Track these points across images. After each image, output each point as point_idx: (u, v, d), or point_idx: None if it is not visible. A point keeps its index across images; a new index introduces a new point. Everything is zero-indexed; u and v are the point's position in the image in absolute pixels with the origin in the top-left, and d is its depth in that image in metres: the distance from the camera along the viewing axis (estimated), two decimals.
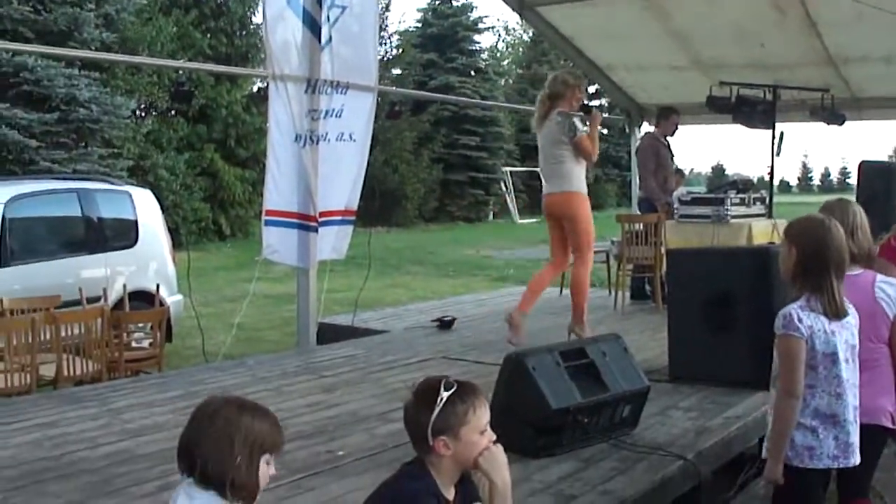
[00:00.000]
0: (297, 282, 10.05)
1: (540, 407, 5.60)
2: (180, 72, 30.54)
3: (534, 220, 46.19)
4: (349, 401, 7.31)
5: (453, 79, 47.23)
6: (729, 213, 11.52)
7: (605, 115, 9.43)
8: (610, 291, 12.64)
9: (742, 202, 11.81)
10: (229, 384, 7.96)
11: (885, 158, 59.83)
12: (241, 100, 33.21)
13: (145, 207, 12.06)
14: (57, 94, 23.26)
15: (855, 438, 4.30)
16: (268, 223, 9.36)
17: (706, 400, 7.14)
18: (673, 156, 12.84)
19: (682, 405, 7.02)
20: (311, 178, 9.37)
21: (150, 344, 9.56)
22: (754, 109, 12.57)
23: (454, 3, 51.00)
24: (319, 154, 9.49)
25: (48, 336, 8.19)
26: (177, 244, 13.59)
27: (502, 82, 58.42)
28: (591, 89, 38.65)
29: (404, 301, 15.83)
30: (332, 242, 9.90)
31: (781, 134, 12.57)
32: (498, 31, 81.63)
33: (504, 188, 49.58)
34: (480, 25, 52.21)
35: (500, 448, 3.36)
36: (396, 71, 46.48)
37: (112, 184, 12.82)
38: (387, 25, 45.94)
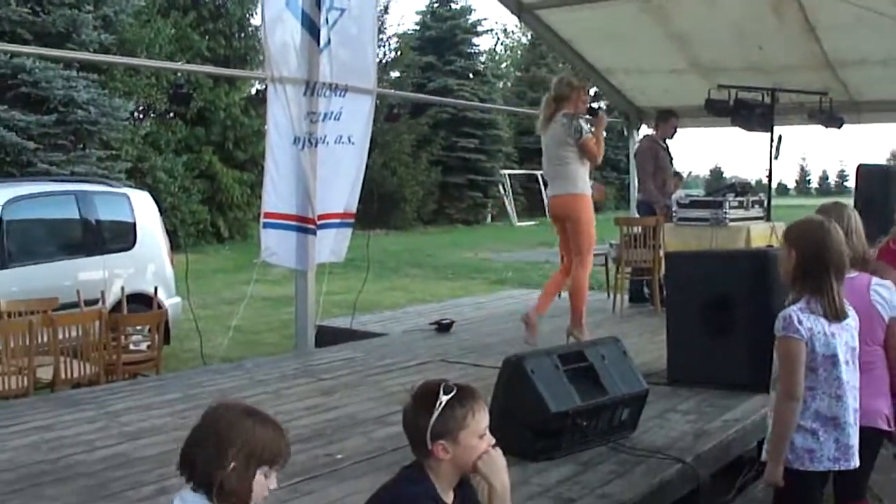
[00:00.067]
0: (295, 284, 10.04)
1: (539, 410, 5.60)
2: (179, 74, 30.52)
3: (532, 222, 46.27)
4: (347, 404, 7.30)
5: (452, 81, 47.22)
6: (727, 216, 11.52)
7: None
8: (608, 294, 12.64)
9: (740, 205, 11.81)
10: (227, 387, 7.96)
11: (883, 162, 59.86)
12: (240, 102, 33.19)
13: (143, 210, 12.06)
14: (55, 95, 23.24)
15: (855, 441, 4.30)
16: (266, 226, 9.36)
17: (705, 403, 7.13)
18: (672, 159, 12.84)
19: (681, 408, 7.02)
20: (309, 181, 9.37)
21: (148, 346, 9.56)
22: (753, 112, 12.57)
23: (453, 6, 51.00)
24: (318, 157, 9.48)
25: (46, 338, 8.18)
26: (175, 246, 13.59)
27: (501, 85, 58.44)
28: (591, 91, 38.67)
29: (402, 304, 15.82)
30: (331, 245, 9.89)
31: (780, 137, 12.58)
32: (496, 33, 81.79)
33: (502, 191, 49.61)
34: (479, 28, 52.19)
35: (499, 452, 3.35)
36: (395, 73, 46.51)
37: (110, 186, 12.83)
38: (385, 28, 45.93)
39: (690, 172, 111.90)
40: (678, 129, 12.91)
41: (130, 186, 14.90)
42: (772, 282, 6.37)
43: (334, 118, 9.63)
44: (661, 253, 11.37)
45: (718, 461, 6.14)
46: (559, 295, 10.45)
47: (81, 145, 24.54)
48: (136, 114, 30.03)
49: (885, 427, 4.62)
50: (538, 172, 50.34)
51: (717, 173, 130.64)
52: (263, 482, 3.05)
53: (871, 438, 4.50)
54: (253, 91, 34.45)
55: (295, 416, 6.78)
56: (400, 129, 40.68)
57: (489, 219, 49.83)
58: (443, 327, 10.88)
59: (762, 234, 11.56)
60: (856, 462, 4.31)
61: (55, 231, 11.55)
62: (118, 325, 9.03)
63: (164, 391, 7.80)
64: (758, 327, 6.62)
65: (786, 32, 11.80)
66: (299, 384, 8.09)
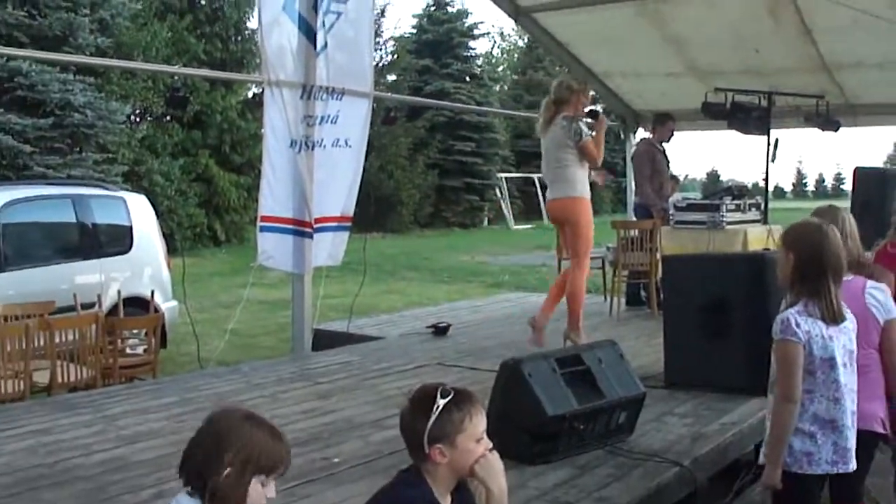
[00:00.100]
0: (292, 288, 10.04)
1: (536, 413, 5.60)
2: (175, 77, 30.50)
3: (529, 226, 46.30)
4: (344, 407, 7.30)
5: (448, 85, 47.21)
6: (724, 219, 11.53)
7: None
8: (605, 297, 12.63)
9: (737, 208, 11.82)
10: (224, 390, 7.95)
11: (879, 164, 59.90)
12: (236, 105, 33.18)
13: (140, 213, 12.05)
14: (51, 99, 23.23)
15: (852, 443, 4.30)
16: (263, 229, 9.35)
17: (702, 406, 7.13)
18: (669, 162, 12.85)
19: (678, 411, 7.01)
20: (306, 184, 9.36)
21: (145, 350, 9.56)
22: (749, 116, 12.58)
23: (449, 9, 50.99)
24: (315, 160, 9.47)
25: (42, 342, 8.19)
26: (171, 250, 13.57)
27: (497, 88, 58.43)
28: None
29: (399, 307, 15.82)
30: (329, 249, 9.88)
31: (776, 140, 12.59)
32: (493, 37, 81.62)
33: (499, 194, 49.63)
34: (476, 31, 52.20)
35: (496, 455, 3.35)
36: (392, 77, 46.53)
37: (107, 189, 12.81)
38: (382, 31, 45.96)
39: (687, 175, 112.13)
40: (675, 132, 12.92)
41: (127, 190, 14.88)
42: (769, 285, 6.38)
43: (331, 121, 9.63)
44: (658, 256, 11.39)
45: (716, 464, 6.14)
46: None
47: (78, 149, 24.51)
48: (132, 117, 30.01)
49: (881, 430, 4.63)
50: (535, 176, 50.44)
51: (713, 176, 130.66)
52: (260, 490, 3.01)
53: (866, 441, 4.50)
54: (249, 94, 34.46)
55: (292, 420, 6.77)
56: (396, 133, 40.70)
57: (486, 222, 49.84)
58: (439, 331, 10.88)
59: (759, 238, 11.57)
60: (853, 465, 4.31)
61: (52, 234, 11.55)
62: (115, 329, 9.01)
63: (161, 395, 7.79)
64: (755, 330, 6.62)
65: (782, 35, 11.82)
66: (296, 388, 8.08)
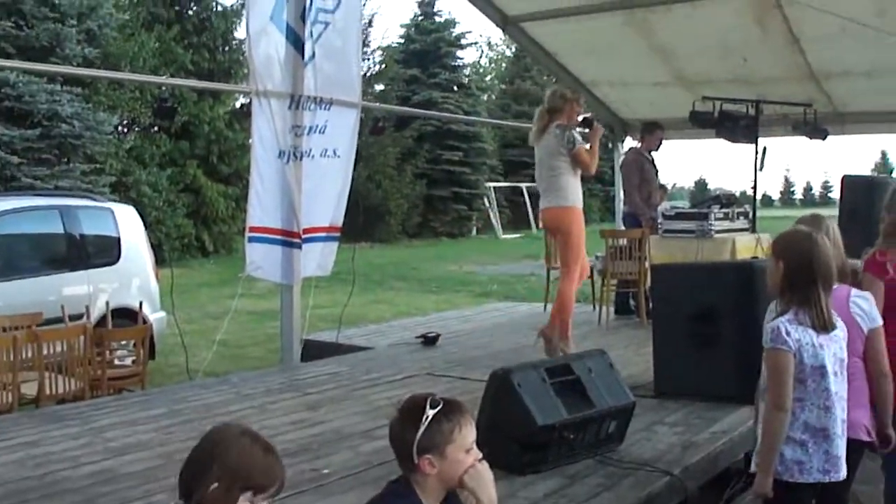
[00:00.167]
0: (280, 298, 10.02)
1: (526, 423, 5.59)
2: (163, 88, 30.46)
3: (517, 235, 46.32)
4: (334, 418, 7.28)
5: (436, 94, 47.20)
6: (713, 227, 11.54)
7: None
8: (594, 306, 12.63)
9: (726, 217, 11.83)
10: (213, 402, 7.93)
11: (867, 172, 59.99)
12: (224, 116, 33.15)
13: (128, 224, 12.02)
14: (39, 109, 23.20)
15: (842, 452, 4.31)
16: (251, 240, 9.33)
17: (692, 415, 7.13)
18: (657, 171, 12.87)
19: (668, 420, 7.01)
20: (294, 195, 9.35)
21: (133, 361, 9.53)
22: (737, 124, 12.61)
23: (437, 19, 51.00)
24: (303, 170, 9.46)
25: (30, 354, 8.15)
26: (160, 261, 13.54)
27: (485, 98, 58.46)
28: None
29: (388, 317, 15.81)
30: (318, 259, 9.87)
31: (764, 149, 12.62)
32: (481, 46, 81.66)
33: (487, 203, 49.63)
34: (463, 41, 52.20)
35: (485, 466, 3.34)
36: (379, 86, 46.51)
37: (94, 200, 12.78)
38: (369, 41, 45.98)
39: (675, 184, 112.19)
40: (663, 141, 12.94)
41: (115, 201, 14.86)
42: (758, 293, 6.38)
43: (319, 131, 9.62)
44: (647, 265, 11.40)
45: (706, 473, 6.14)
46: (544, 308, 10.44)
47: (65, 159, 24.48)
48: (120, 128, 30.01)
49: (866, 438, 4.64)
50: (523, 185, 50.54)
51: (701, 185, 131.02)
52: None
53: (852, 450, 4.50)
54: (237, 105, 34.44)
55: (281, 431, 6.75)
56: (384, 142, 40.66)
57: (474, 231, 49.81)
58: (429, 341, 10.87)
59: (747, 246, 11.58)
60: (843, 473, 4.32)
61: (39, 246, 11.52)
62: (103, 340, 8.98)
63: (150, 406, 7.77)
64: (744, 339, 6.63)
65: (770, 44, 11.84)
66: (285, 399, 8.06)
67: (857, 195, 10.12)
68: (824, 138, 13.19)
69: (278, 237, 9.41)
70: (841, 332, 4.30)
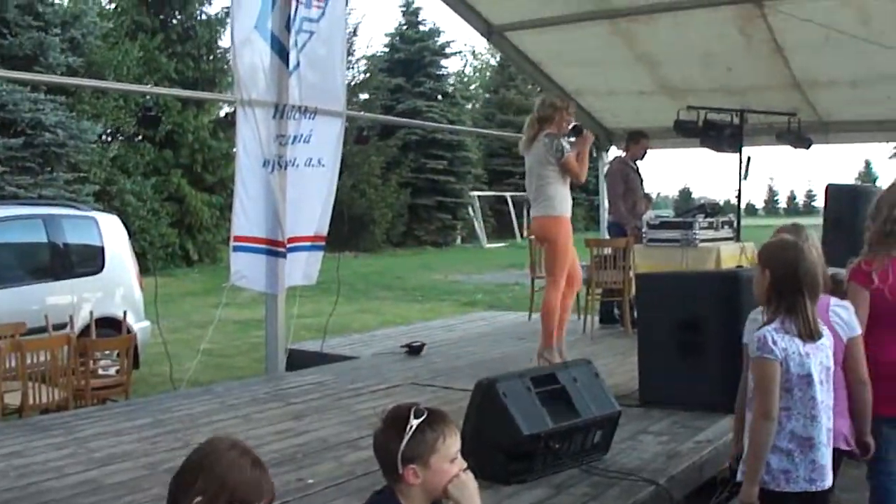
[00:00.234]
0: (265, 308, 9.99)
1: (511, 433, 5.58)
2: (147, 96, 30.44)
3: (502, 244, 46.35)
4: (318, 428, 7.27)
5: (421, 103, 47.26)
6: (697, 237, 11.57)
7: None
8: (579, 315, 12.62)
9: (710, 226, 11.86)
10: (197, 411, 7.90)
11: (851, 181, 60.13)
12: (208, 125, 33.14)
13: (112, 233, 11.97)
14: (22, 118, 23.15)
15: (828, 460, 4.31)
16: (236, 249, 9.31)
17: (677, 424, 7.13)
18: (642, 180, 12.87)
19: (653, 430, 7.02)
20: (279, 204, 9.34)
21: (117, 371, 9.47)
22: (722, 133, 12.64)
23: (422, 28, 51.09)
24: (288, 179, 9.45)
25: (13, 364, 8.10)
26: (144, 270, 13.49)
27: (470, 107, 58.57)
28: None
29: (373, 326, 15.78)
30: (303, 268, 9.86)
31: (749, 158, 12.65)
32: (465, 55, 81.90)
33: (472, 213, 49.66)
34: (448, 50, 52.31)
35: (470, 476, 3.32)
36: (364, 95, 46.48)
37: (78, 209, 12.72)
38: (354, 50, 46.06)
39: (659, 193, 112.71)
40: (648, 150, 12.96)
41: (98, 210, 14.80)
42: (743, 303, 6.38)
43: (304, 141, 9.61)
44: (632, 274, 11.41)
45: (692, 482, 6.14)
46: (528, 317, 10.43)
47: (49, 168, 24.43)
48: (104, 136, 29.96)
49: (845, 447, 4.66)
50: (507, 194, 50.57)
51: (685, 194, 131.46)
52: None
53: (834, 459, 4.51)
54: (221, 114, 34.40)
55: (265, 441, 6.73)
56: (369, 152, 40.66)
57: (458, 240, 49.85)
58: (413, 350, 10.85)
59: (732, 255, 11.61)
60: (829, 482, 4.32)
61: (23, 255, 11.46)
62: (87, 350, 8.93)
63: (134, 416, 7.74)
64: (729, 348, 6.61)
65: (754, 53, 11.88)
66: (270, 408, 8.04)
67: (842, 204, 10.13)
68: (808, 147, 13.23)
69: (263, 246, 9.40)
70: (827, 340, 4.30)
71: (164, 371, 10.11)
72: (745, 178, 12.70)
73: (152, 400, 8.88)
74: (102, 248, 11.71)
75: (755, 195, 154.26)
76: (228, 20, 9.43)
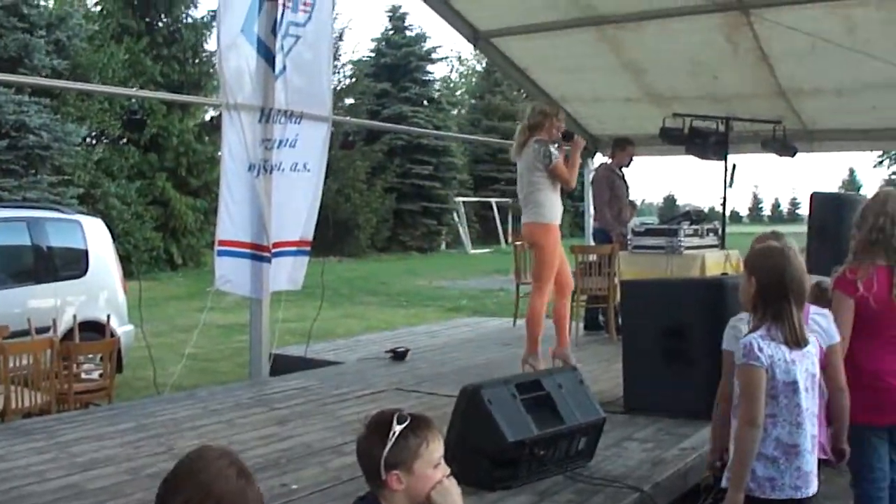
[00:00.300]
0: (250, 312, 9.96)
1: (496, 439, 5.57)
2: (132, 99, 30.38)
3: (486, 250, 46.35)
4: (302, 433, 7.25)
5: (406, 109, 47.30)
6: (682, 244, 11.57)
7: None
8: None
9: (695, 233, 11.87)
10: (181, 416, 7.87)
11: (835, 189, 60.35)
12: (193, 128, 33.12)
13: (96, 236, 11.93)
14: (6, 120, 23.09)
15: (813, 467, 4.31)
16: (220, 253, 9.27)
17: (662, 431, 7.14)
18: (628, 187, 12.89)
19: (638, 436, 7.01)
20: (264, 208, 9.31)
21: (101, 375, 9.44)
22: (707, 141, 12.65)
23: (408, 34, 51.12)
24: (273, 184, 9.42)
25: None
26: (128, 273, 13.47)
27: (455, 112, 58.63)
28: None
29: (357, 332, 15.75)
30: (289, 273, 9.83)
31: (734, 165, 12.66)
32: (451, 61, 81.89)
33: (457, 218, 49.67)
34: (434, 55, 52.38)
35: (453, 482, 3.32)
36: (350, 100, 46.49)
37: (62, 212, 12.67)
38: (340, 55, 45.99)
39: (644, 200, 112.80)
40: (633, 158, 12.98)
41: (83, 213, 14.73)
42: (727, 310, 6.38)
43: (290, 145, 9.59)
44: (617, 281, 11.41)
45: (676, 489, 6.14)
46: (514, 323, 10.41)
47: (33, 171, 24.36)
48: (88, 139, 29.89)
49: (822, 455, 4.66)
50: (492, 200, 50.60)
51: (670, 201, 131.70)
52: None
53: None
54: (207, 117, 34.38)
55: (249, 446, 6.71)
56: (354, 156, 40.63)
57: (443, 246, 49.85)
58: (398, 356, 10.84)
59: (717, 262, 11.63)
60: (814, 489, 4.32)
61: (6, 258, 11.41)
62: (70, 354, 8.90)
63: (117, 421, 7.70)
64: (714, 355, 6.60)
65: (740, 61, 11.90)
66: (254, 413, 8.01)
67: (826, 212, 10.16)
68: (793, 155, 13.25)
69: (248, 251, 9.37)
70: (813, 347, 4.31)
71: (148, 375, 10.08)
72: (731, 185, 12.71)
73: (135, 404, 8.84)
74: (86, 252, 11.67)
75: (740, 203, 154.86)
76: (214, 24, 9.39)
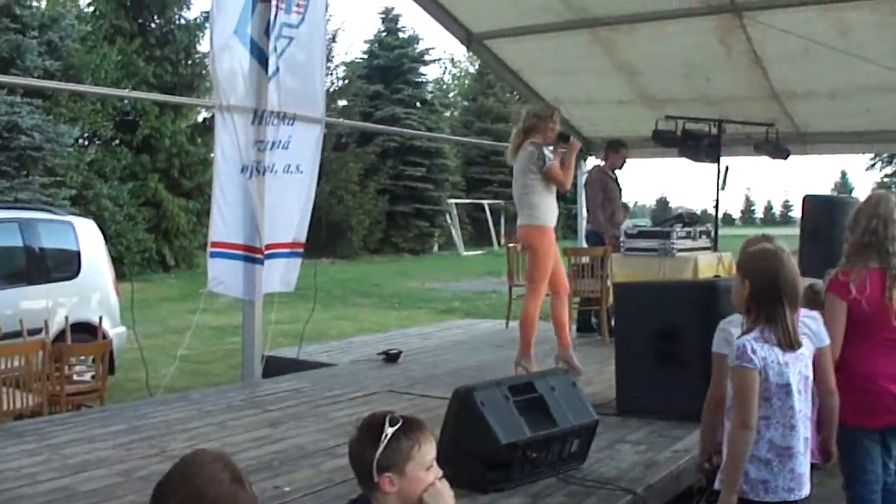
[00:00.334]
0: (242, 314, 9.95)
1: (489, 442, 5.56)
2: (125, 101, 30.33)
3: (479, 252, 46.34)
4: (295, 435, 7.23)
5: (399, 110, 47.29)
6: (675, 246, 11.58)
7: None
8: None
9: (688, 235, 11.88)
10: (173, 418, 7.85)
11: (827, 192, 60.42)
12: (186, 130, 33.09)
13: (88, 238, 11.91)
14: None
15: (806, 469, 4.31)
16: (213, 255, 9.26)
17: (654, 433, 7.13)
18: (621, 190, 12.89)
19: (631, 439, 7.01)
20: (257, 210, 9.30)
21: (93, 377, 9.42)
22: (700, 143, 12.67)
23: (401, 35, 51.13)
24: (266, 185, 9.40)
25: None
26: (120, 275, 13.44)
27: (448, 114, 58.64)
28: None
29: (350, 333, 15.74)
30: (282, 274, 9.82)
31: (727, 168, 12.67)
32: (444, 63, 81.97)
33: (449, 220, 49.67)
34: (427, 57, 52.40)
35: (445, 484, 3.32)
36: (343, 102, 46.48)
37: (54, 213, 12.64)
38: (333, 56, 46.05)
39: (636, 202, 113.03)
40: (627, 160, 12.99)
41: (75, 214, 14.70)
42: (720, 312, 6.38)
43: (282, 147, 9.58)
44: (609, 283, 11.41)
45: (669, 492, 6.13)
46: (506, 325, 10.39)
47: (25, 172, 24.32)
48: (80, 140, 29.87)
49: (811, 460, 4.65)
50: (485, 202, 50.61)
51: (662, 203, 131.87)
52: None
53: None
54: (199, 119, 34.37)
55: (242, 448, 6.69)
56: (347, 158, 40.63)
57: (436, 248, 49.86)
58: (390, 358, 10.83)
59: (709, 265, 11.63)
60: (807, 491, 4.32)
61: None
62: (62, 356, 8.89)
63: (109, 423, 7.69)
64: (706, 358, 6.61)
65: (733, 64, 11.91)
66: (246, 415, 8.00)
67: (819, 214, 10.17)
68: (786, 158, 13.26)
69: (240, 252, 9.35)
70: (806, 349, 4.31)
71: (140, 377, 10.06)
72: (723, 188, 12.73)
73: (128, 406, 8.83)
74: (79, 253, 11.65)
75: (732, 205, 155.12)
76: (207, 25, 9.40)
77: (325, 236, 36.84)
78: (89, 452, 6.69)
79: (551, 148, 9.26)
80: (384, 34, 51.13)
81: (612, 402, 7.89)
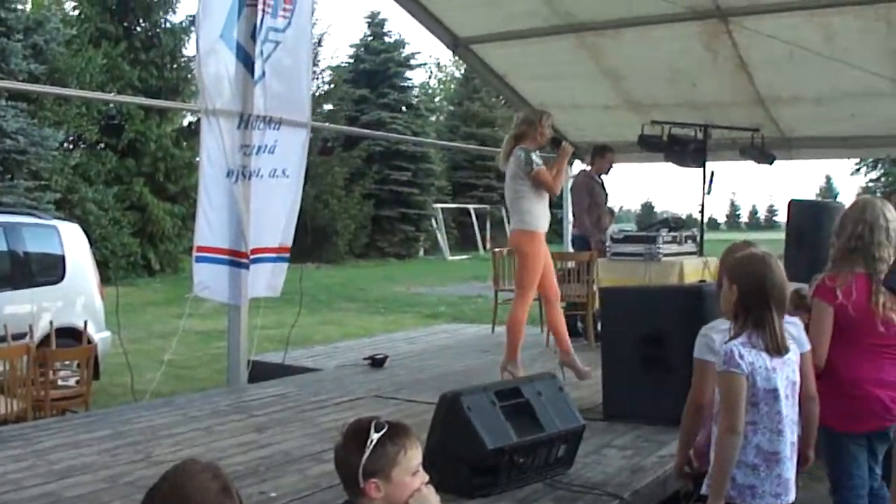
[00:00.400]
0: (228, 319, 9.93)
1: (475, 447, 5.56)
2: (110, 104, 30.28)
3: (465, 256, 46.33)
4: (281, 441, 7.22)
5: (385, 115, 47.26)
6: (661, 251, 11.60)
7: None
8: (542, 329, 12.61)
9: (674, 240, 11.90)
10: (159, 423, 7.83)
11: (812, 197, 60.56)
12: (171, 134, 33.05)
13: (73, 242, 11.87)
14: None
15: (792, 474, 4.32)
16: (199, 259, 9.24)
17: (640, 438, 7.14)
18: (607, 194, 12.91)
19: (617, 444, 7.01)
20: (243, 215, 9.28)
21: (78, 382, 9.40)
22: (686, 148, 12.69)
23: (387, 40, 51.12)
24: (252, 190, 9.39)
25: None
26: (105, 279, 13.40)
27: (434, 119, 58.62)
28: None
29: (335, 338, 15.71)
30: (268, 279, 9.80)
31: (712, 173, 12.69)
32: (430, 67, 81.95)
33: (435, 225, 49.65)
34: (413, 62, 52.38)
35: (431, 489, 3.33)
36: (328, 106, 46.40)
37: (39, 218, 12.59)
38: (319, 60, 45.97)
39: (622, 207, 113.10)
40: (613, 165, 13.00)
41: (60, 218, 14.68)
42: (706, 317, 6.38)
43: (268, 151, 9.56)
44: (595, 288, 11.42)
45: (655, 497, 6.14)
46: (492, 329, 10.37)
47: (9, 175, 24.27)
48: (65, 144, 29.79)
49: None
50: (471, 206, 50.60)
51: (648, 208, 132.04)
52: None
53: None
54: (185, 123, 34.29)
55: (228, 454, 6.68)
56: (332, 162, 40.57)
57: (421, 252, 49.82)
58: (376, 362, 10.81)
59: (695, 269, 11.65)
60: (793, 496, 4.32)
61: None
62: (46, 360, 8.84)
63: (94, 428, 7.66)
64: (692, 362, 6.63)
65: (719, 69, 11.93)
66: (232, 420, 7.98)
67: (804, 219, 10.18)
68: (771, 163, 13.29)
69: (226, 257, 9.34)
70: (794, 355, 4.31)
71: (125, 382, 10.03)
72: (709, 192, 12.75)
73: (113, 411, 8.80)
74: (63, 257, 11.61)
75: (717, 210, 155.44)
76: (193, 29, 9.38)
77: (311, 241, 36.79)
78: (74, 458, 6.66)
79: (554, 154, 9.28)
80: (370, 38, 51.11)
81: (599, 406, 7.89)
